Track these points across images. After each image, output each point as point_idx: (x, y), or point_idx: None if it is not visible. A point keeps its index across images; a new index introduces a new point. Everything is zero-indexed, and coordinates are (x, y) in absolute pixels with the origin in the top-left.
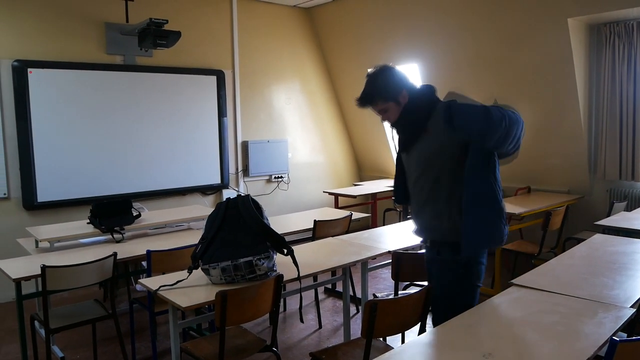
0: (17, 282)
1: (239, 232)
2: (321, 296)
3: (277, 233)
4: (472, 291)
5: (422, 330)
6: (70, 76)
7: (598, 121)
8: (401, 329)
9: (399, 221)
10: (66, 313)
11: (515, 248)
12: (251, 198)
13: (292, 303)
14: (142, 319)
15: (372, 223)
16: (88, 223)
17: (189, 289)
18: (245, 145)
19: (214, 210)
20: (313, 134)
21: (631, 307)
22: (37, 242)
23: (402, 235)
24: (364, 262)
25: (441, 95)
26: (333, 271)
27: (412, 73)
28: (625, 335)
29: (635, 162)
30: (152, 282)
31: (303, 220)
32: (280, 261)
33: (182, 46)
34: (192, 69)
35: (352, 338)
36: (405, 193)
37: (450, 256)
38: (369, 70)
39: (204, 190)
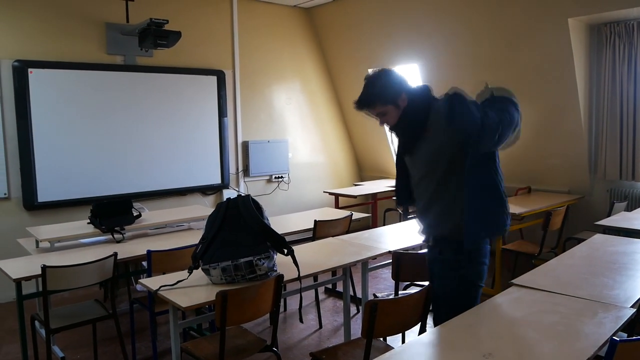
0: (18, 282)
1: (239, 232)
2: (321, 296)
3: (277, 233)
4: (474, 291)
5: (422, 330)
6: (70, 76)
7: (598, 121)
8: (401, 329)
9: (400, 221)
10: (66, 313)
11: (515, 248)
12: (251, 198)
13: (293, 303)
14: (143, 319)
15: (372, 223)
16: (88, 223)
17: (190, 289)
18: (245, 145)
19: (214, 211)
20: (313, 134)
21: (631, 307)
22: (37, 242)
23: (402, 235)
24: (364, 262)
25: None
26: (333, 271)
27: (412, 73)
28: (626, 335)
29: (635, 162)
30: (152, 282)
31: (303, 220)
32: (281, 261)
33: (182, 46)
34: (193, 69)
35: (352, 338)
36: (408, 194)
37: (452, 256)
38: (368, 73)
39: (205, 190)
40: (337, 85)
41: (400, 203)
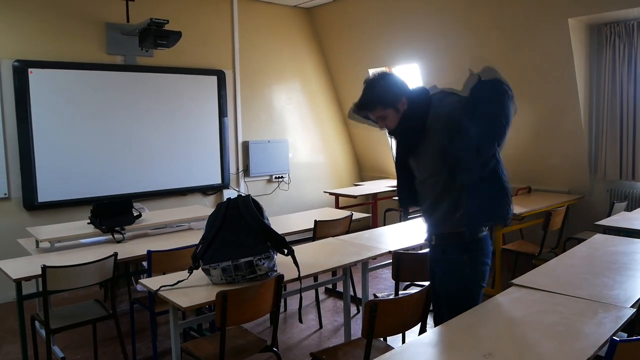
0: (18, 282)
1: (239, 232)
2: (322, 296)
3: (277, 233)
4: (477, 291)
5: (422, 330)
6: (70, 76)
7: (598, 121)
8: (402, 329)
9: (400, 221)
10: (67, 313)
11: (515, 248)
12: (252, 198)
13: (293, 303)
14: (143, 319)
15: (372, 223)
16: (89, 223)
17: (190, 289)
18: (245, 145)
19: (214, 211)
20: (313, 134)
21: (631, 307)
22: (37, 242)
23: (402, 235)
24: (364, 262)
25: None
26: (333, 271)
27: (412, 73)
28: (626, 335)
29: (635, 162)
30: (152, 282)
31: (303, 221)
32: (281, 261)
33: (182, 46)
34: (193, 69)
35: (352, 338)
36: (412, 197)
37: (456, 256)
38: (368, 76)
39: (205, 190)
40: (338, 85)
41: (405, 207)
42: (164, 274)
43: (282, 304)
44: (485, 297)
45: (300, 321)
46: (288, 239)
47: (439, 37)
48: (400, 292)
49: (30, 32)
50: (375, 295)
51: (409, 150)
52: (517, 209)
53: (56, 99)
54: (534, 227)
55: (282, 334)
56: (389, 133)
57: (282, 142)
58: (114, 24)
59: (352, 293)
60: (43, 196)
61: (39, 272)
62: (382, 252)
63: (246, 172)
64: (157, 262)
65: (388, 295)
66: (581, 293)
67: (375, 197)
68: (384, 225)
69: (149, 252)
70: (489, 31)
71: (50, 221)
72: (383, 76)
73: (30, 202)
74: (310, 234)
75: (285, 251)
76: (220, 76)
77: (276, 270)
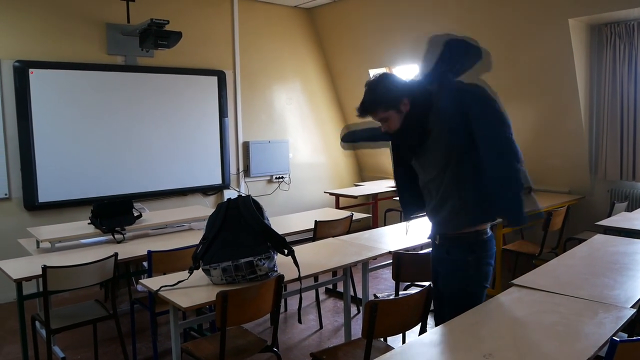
0: (18, 282)
1: (239, 232)
2: (322, 296)
3: (277, 233)
4: (480, 292)
5: (422, 330)
6: (71, 77)
7: (599, 121)
8: (402, 329)
9: (400, 222)
10: (67, 313)
11: (516, 248)
12: (252, 198)
13: (293, 303)
14: (143, 320)
15: (373, 223)
16: (89, 223)
17: (190, 289)
18: (246, 145)
19: (214, 211)
20: (314, 134)
21: (631, 307)
22: (38, 242)
23: (403, 235)
24: (364, 263)
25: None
26: (334, 271)
27: (413, 73)
28: (626, 335)
29: (636, 163)
30: (153, 283)
31: (304, 221)
32: (281, 261)
33: (183, 47)
34: (193, 70)
35: (352, 338)
36: (416, 203)
37: (460, 256)
38: (369, 77)
39: (205, 190)
40: (338, 85)
41: (410, 214)
42: (164, 274)
43: (283, 304)
44: (485, 297)
45: (300, 321)
46: (288, 239)
47: None
48: (400, 293)
49: (30, 32)
50: (375, 296)
51: (413, 151)
52: None
53: (57, 99)
54: (535, 228)
55: (283, 334)
56: (391, 135)
57: (282, 143)
58: (115, 24)
59: (352, 293)
60: (43, 196)
61: (40, 272)
62: (382, 252)
63: (246, 172)
64: (158, 262)
65: (388, 296)
66: (581, 293)
67: (375, 197)
68: (384, 225)
69: (149, 252)
70: (490, 31)
71: (51, 221)
72: (384, 77)
73: (31, 202)
74: (310, 234)
75: (286, 251)
76: (221, 76)
77: (276, 271)
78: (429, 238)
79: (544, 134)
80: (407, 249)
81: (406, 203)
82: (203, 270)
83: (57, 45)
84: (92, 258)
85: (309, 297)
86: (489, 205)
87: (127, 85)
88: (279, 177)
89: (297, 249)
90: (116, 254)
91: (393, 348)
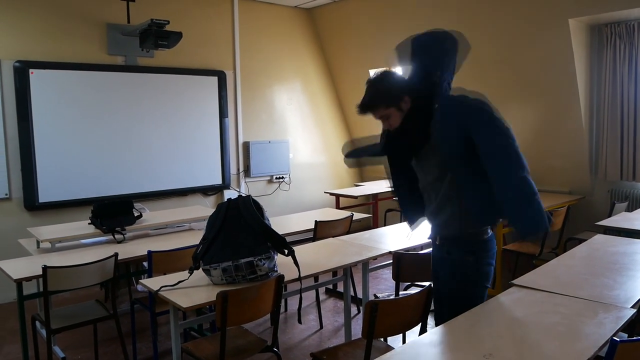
0: (19, 282)
1: (240, 232)
2: (322, 296)
3: (278, 233)
4: (481, 292)
5: (423, 330)
6: (71, 77)
7: (599, 122)
8: (402, 329)
9: (400, 222)
10: (67, 313)
11: (516, 248)
12: (252, 198)
13: (293, 303)
14: (143, 320)
15: (373, 223)
16: (89, 223)
17: (190, 289)
18: (246, 145)
19: (215, 211)
20: (314, 134)
21: (632, 307)
22: (38, 242)
23: (403, 235)
24: (365, 263)
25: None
26: (334, 272)
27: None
28: (626, 335)
29: (636, 163)
30: (153, 283)
31: (304, 221)
32: (281, 262)
33: (183, 47)
34: (194, 70)
35: (353, 338)
36: (417, 207)
37: (461, 256)
38: (370, 75)
39: (205, 190)
40: (338, 85)
41: (412, 221)
42: (164, 274)
43: (283, 304)
44: (486, 298)
45: (300, 322)
46: (288, 239)
47: None
48: (400, 293)
49: (31, 32)
50: (375, 296)
51: (413, 150)
52: None
53: (57, 99)
54: None
55: (283, 334)
56: (392, 133)
57: (282, 143)
58: (115, 24)
59: (352, 293)
60: (44, 196)
61: (40, 272)
62: (382, 252)
63: (247, 172)
64: (158, 262)
65: (388, 296)
66: (581, 293)
67: (375, 197)
68: (385, 225)
69: (149, 252)
70: (490, 31)
71: (51, 221)
72: (385, 75)
73: (31, 203)
74: (310, 235)
75: (286, 251)
76: (221, 77)
77: (276, 271)
78: (429, 238)
79: (544, 134)
80: (407, 249)
81: (409, 212)
82: (203, 270)
83: (58, 45)
84: (92, 258)
85: (309, 297)
86: (495, 213)
87: (128, 85)
88: (279, 177)
89: (297, 249)
90: (116, 254)
91: (393, 348)
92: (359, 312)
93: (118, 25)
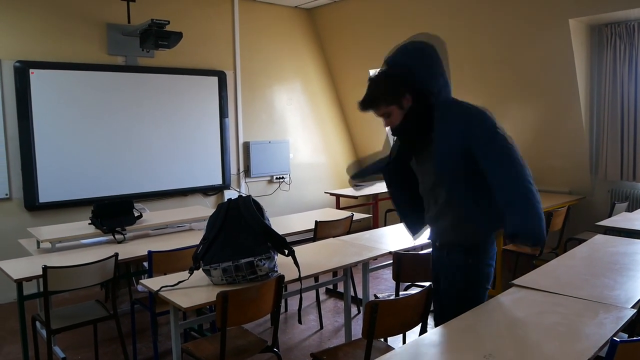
0: (19, 282)
1: (240, 232)
2: (322, 297)
3: (278, 234)
4: (482, 294)
5: (423, 330)
6: (71, 77)
7: (599, 122)
8: (402, 329)
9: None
10: (67, 314)
11: (516, 249)
12: (252, 199)
13: (293, 304)
14: (144, 320)
15: (373, 224)
16: (89, 224)
17: (190, 289)
18: (246, 145)
19: (215, 211)
20: (314, 134)
21: (632, 307)
22: (38, 242)
23: (403, 236)
24: (365, 263)
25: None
26: (334, 272)
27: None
28: (626, 335)
29: (636, 163)
30: (153, 283)
31: (304, 221)
32: (282, 262)
33: (183, 47)
34: (194, 70)
35: (353, 339)
36: (418, 215)
37: (461, 258)
38: (370, 74)
39: (206, 191)
40: (339, 85)
41: (415, 231)
42: (164, 274)
43: (283, 304)
44: (487, 299)
45: (300, 322)
46: (289, 239)
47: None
48: (400, 293)
49: (31, 32)
50: (375, 296)
51: (413, 149)
52: None
53: (57, 99)
54: None
55: (283, 334)
56: (392, 133)
57: (283, 143)
58: (115, 24)
59: (352, 293)
60: (44, 196)
61: (40, 272)
62: (382, 252)
63: (247, 172)
64: (158, 262)
65: (389, 296)
66: (582, 294)
67: (376, 197)
68: (385, 225)
69: (149, 252)
70: (490, 31)
71: (51, 221)
72: (387, 72)
73: (32, 203)
74: (310, 235)
75: (286, 252)
76: (221, 77)
77: (277, 271)
78: (429, 239)
79: (544, 134)
80: (407, 249)
81: (411, 223)
82: (203, 270)
83: (58, 45)
84: (92, 258)
85: (309, 297)
86: (495, 222)
87: (128, 85)
88: (280, 178)
89: (297, 249)
90: (116, 254)
91: (393, 348)
92: (359, 312)
93: (118, 26)
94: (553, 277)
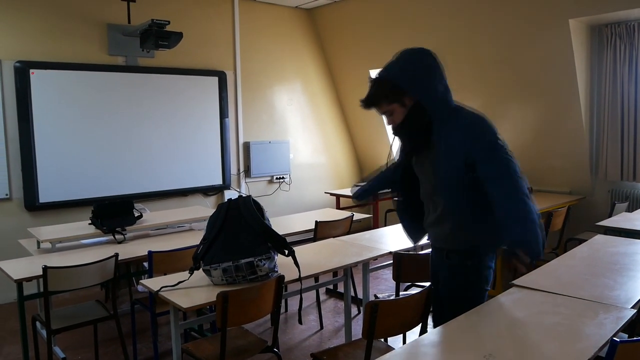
0: (19, 282)
1: (240, 233)
2: (322, 297)
3: (278, 234)
4: (481, 295)
5: (423, 331)
6: (72, 77)
7: (599, 122)
8: (402, 329)
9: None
10: (68, 314)
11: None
12: (252, 199)
13: (294, 304)
14: (144, 320)
15: (373, 224)
16: (90, 224)
17: (191, 289)
18: (247, 146)
19: (215, 211)
20: (315, 134)
21: (632, 307)
22: (38, 242)
23: (403, 236)
24: (365, 263)
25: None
26: (334, 272)
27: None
28: (626, 336)
29: (636, 163)
30: (153, 283)
31: (304, 221)
32: (282, 262)
33: (183, 47)
34: (194, 70)
35: (353, 339)
36: (418, 220)
37: (460, 260)
38: (370, 75)
39: (206, 191)
40: (339, 86)
41: (417, 238)
42: (164, 274)
43: (283, 304)
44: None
45: (300, 322)
46: (289, 239)
47: (440, 38)
48: (401, 293)
49: (31, 33)
50: (376, 296)
51: (414, 148)
52: None
53: (57, 99)
54: None
55: (283, 334)
56: (394, 132)
57: (283, 143)
58: (115, 24)
59: (352, 294)
60: (44, 197)
61: (40, 272)
62: (382, 252)
63: (247, 172)
64: (158, 262)
65: (389, 296)
66: (582, 294)
67: (376, 197)
68: (385, 226)
69: (149, 252)
70: (490, 31)
71: (52, 222)
72: (389, 70)
73: (32, 203)
74: (311, 235)
75: (286, 252)
76: (222, 77)
77: (277, 271)
78: (428, 240)
79: (544, 134)
80: (407, 250)
81: (411, 230)
82: (203, 270)
83: (58, 45)
84: (92, 258)
85: (309, 297)
86: (495, 236)
87: (128, 85)
88: (280, 178)
89: (297, 249)
90: (117, 255)
91: (393, 348)
92: (359, 312)
93: (118, 26)
94: (553, 277)
